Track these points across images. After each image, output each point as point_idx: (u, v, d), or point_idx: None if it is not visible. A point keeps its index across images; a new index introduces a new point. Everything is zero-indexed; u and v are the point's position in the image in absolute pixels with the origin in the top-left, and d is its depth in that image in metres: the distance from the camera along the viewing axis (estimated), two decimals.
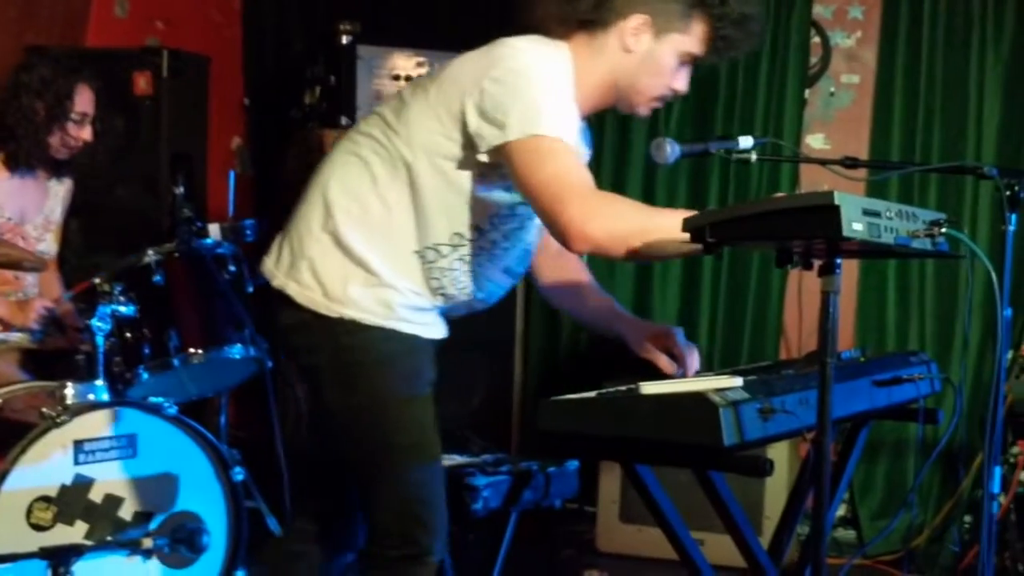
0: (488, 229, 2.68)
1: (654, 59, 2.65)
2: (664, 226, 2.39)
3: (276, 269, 2.75)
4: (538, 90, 2.53)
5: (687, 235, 2.30)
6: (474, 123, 2.53)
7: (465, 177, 2.61)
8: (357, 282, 2.64)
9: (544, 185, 2.47)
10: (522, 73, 2.53)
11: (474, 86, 2.54)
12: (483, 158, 2.55)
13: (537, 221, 2.70)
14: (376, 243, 2.64)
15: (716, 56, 2.72)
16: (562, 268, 3.03)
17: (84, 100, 3.98)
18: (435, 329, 2.75)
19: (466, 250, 2.67)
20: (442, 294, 2.70)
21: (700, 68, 5.04)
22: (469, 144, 2.56)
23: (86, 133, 3.99)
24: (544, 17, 2.67)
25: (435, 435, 2.71)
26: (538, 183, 2.48)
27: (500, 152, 2.52)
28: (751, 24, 2.67)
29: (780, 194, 3.16)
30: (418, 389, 2.70)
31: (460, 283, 2.70)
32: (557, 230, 2.47)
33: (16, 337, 3.77)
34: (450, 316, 2.80)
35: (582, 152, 2.72)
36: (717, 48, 2.68)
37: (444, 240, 2.65)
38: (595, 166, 5.21)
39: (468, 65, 2.60)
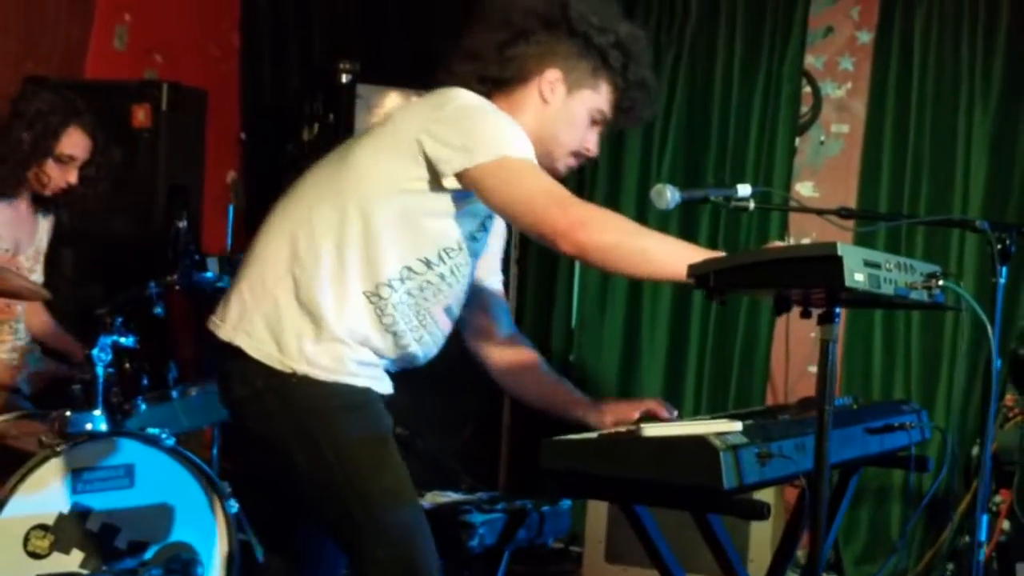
0: (436, 263, 2.68)
1: (569, 111, 2.75)
2: (651, 247, 2.49)
3: (223, 321, 2.68)
4: (497, 119, 2.62)
5: (672, 264, 2.41)
6: (433, 151, 2.55)
7: (417, 211, 2.62)
8: (310, 338, 2.60)
9: (528, 197, 2.53)
10: (477, 107, 2.63)
11: (429, 121, 2.58)
12: (449, 183, 2.57)
13: (478, 260, 2.79)
14: (328, 292, 2.61)
15: (623, 119, 2.83)
16: (513, 352, 3.02)
17: (73, 143, 3.97)
18: (384, 384, 2.73)
19: (414, 283, 2.66)
20: (393, 332, 2.66)
21: (693, 113, 5.15)
22: (425, 176, 2.58)
23: (71, 176, 3.97)
24: (464, 77, 2.74)
25: (407, 476, 2.66)
26: (521, 196, 2.54)
27: (468, 176, 2.55)
28: (651, 89, 2.82)
29: (778, 243, 3.23)
30: (382, 432, 2.66)
31: (408, 319, 2.68)
32: (546, 233, 2.51)
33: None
34: (395, 369, 2.78)
35: None
36: (623, 110, 2.80)
37: (395, 275, 2.64)
38: None
39: (418, 107, 2.66)
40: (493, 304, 2.99)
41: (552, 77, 2.73)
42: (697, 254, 2.42)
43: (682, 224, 5.24)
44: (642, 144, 5.31)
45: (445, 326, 2.80)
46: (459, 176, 2.56)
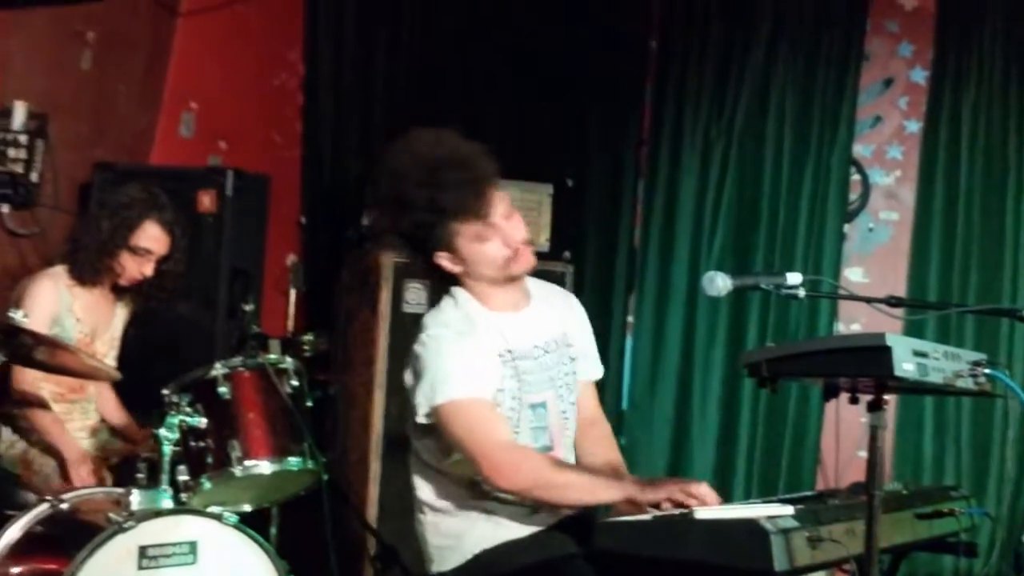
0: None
1: (471, 259, 3.00)
2: (559, 484, 2.82)
3: None
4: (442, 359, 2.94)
5: (592, 495, 2.78)
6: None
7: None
8: None
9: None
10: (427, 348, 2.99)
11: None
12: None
13: None
14: None
15: (491, 198, 2.97)
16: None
17: (149, 236, 4.07)
18: None
19: None
20: None
21: (743, 200, 5.23)
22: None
23: (147, 268, 4.08)
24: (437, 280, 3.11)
25: None
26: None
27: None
28: (468, 174, 2.94)
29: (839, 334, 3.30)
30: None
31: None
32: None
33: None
34: None
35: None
36: (481, 206, 2.95)
37: None
38: (638, 299, 5.43)
39: None
40: None
41: (441, 259, 3.02)
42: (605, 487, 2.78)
43: (732, 310, 5.31)
44: (692, 231, 5.39)
45: None
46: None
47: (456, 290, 3.07)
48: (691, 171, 5.43)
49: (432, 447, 2.99)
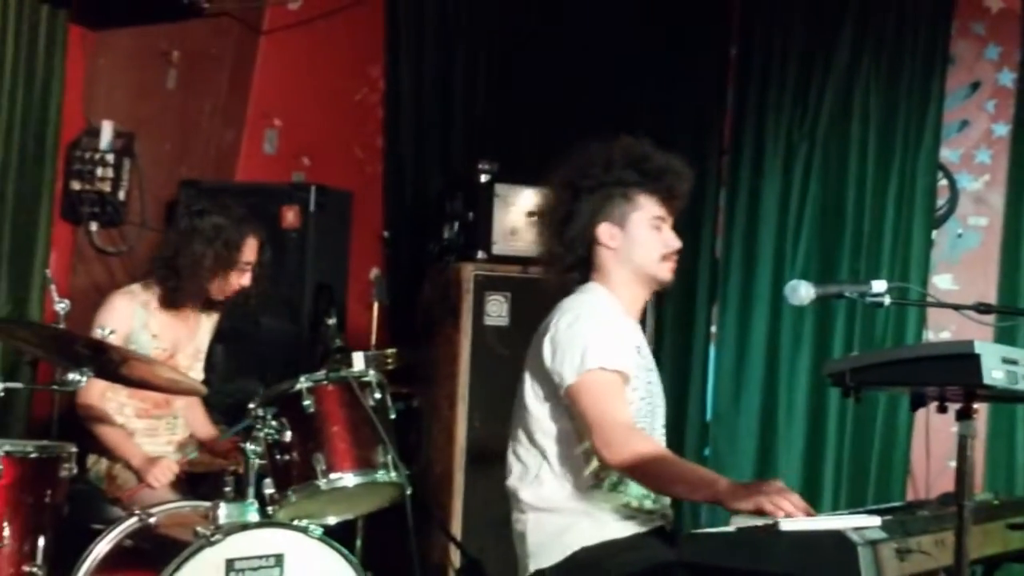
0: None
1: (632, 239, 3.15)
2: (665, 476, 2.90)
3: None
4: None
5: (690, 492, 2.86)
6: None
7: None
8: None
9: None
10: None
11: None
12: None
13: None
14: None
15: (676, 203, 3.20)
16: None
17: (250, 250, 4.20)
18: None
19: None
20: None
21: (827, 207, 5.19)
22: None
23: (246, 279, 4.21)
24: (562, 283, 3.22)
25: None
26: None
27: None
28: (673, 167, 3.18)
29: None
30: None
31: None
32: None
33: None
34: None
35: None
36: (669, 198, 3.18)
37: None
38: (721, 308, 5.39)
39: None
40: None
41: (603, 229, 3.15)
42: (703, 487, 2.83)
43: (817, 319, 5.24)
44: (775, 239, 5.33)
45: None
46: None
47: (591, 284, 3.19)
48: (773, 178, 5.37)
49: (568, 432, 3.06)
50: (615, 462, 2.92)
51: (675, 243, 3.18)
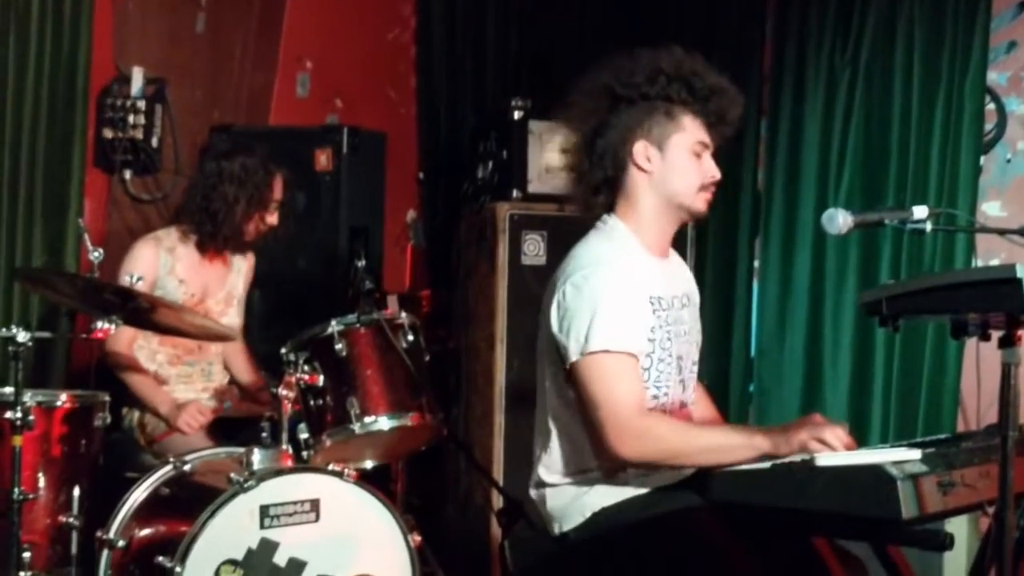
0: None
1: (671, 163, 2.89)
2: (692, 452, 2.73)
3: None
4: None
5: (725, 457, 2.63)
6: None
7: None
8: None
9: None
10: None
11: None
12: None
13: None
14: None
15: (724, 129, 2.95)
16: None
17: (279, 188, 4.19)
18: None
19: None
20: None
21: (871, 136, 5.05)
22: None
23: (275, 219, 4.19)
24: (582, 198, 2.96)
25: None
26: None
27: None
28: (725, 89, 2.93)
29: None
30: None
31: None
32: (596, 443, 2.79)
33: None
34: None
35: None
36: (716, 123, 2.93)
37: None
38: (764, 242, 5.29)
39: None
40: None
41: (639, 148, 2.88)
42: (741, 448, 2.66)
43: (863, 251, 5.12)
44: (818, 170, 5.22)
45: None
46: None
47: (612, 219, 2.94)
48: (815, 107, 5.24)
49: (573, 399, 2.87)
50: (631, 457, 2.74)
51: (716, 173, 2.92)
